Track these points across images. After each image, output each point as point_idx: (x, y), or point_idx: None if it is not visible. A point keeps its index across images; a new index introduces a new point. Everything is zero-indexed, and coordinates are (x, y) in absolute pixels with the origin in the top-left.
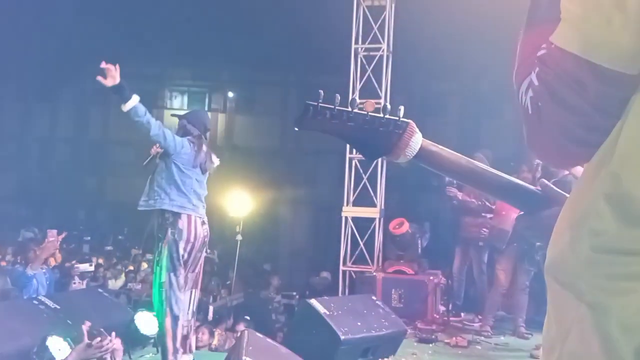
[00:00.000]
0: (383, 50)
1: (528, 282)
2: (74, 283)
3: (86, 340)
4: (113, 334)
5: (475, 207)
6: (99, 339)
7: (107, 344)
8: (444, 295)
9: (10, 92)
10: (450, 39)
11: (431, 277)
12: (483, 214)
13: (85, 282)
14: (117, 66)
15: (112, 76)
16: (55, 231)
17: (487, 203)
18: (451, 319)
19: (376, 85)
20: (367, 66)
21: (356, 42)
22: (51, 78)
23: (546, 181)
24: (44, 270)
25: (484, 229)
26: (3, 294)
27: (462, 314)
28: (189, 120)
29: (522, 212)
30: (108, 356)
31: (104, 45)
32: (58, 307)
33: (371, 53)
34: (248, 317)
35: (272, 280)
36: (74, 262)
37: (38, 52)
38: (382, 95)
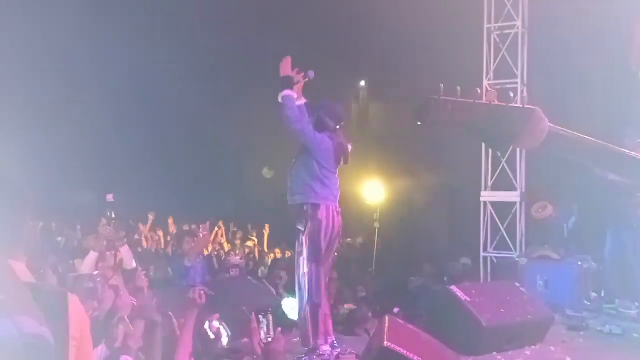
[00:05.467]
0: (518, 28)
1: None
2: (232, 271)
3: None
4: (253, 314)
5: (628, 185)
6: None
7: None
8: (595, 281)
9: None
10: (592, 7)
11: (579, 262)
12: (638, 194)
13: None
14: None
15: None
16: (207, 225)
17: None
18: (604, 306)
19: (512, 65)
20: (501, 45)
21: (489, 22)
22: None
23: None
24: (198, 260)
25: None
26: (165, 282)
27: (617, 301)
28: (326, 112)
29: None
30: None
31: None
32: (213, 293)
33: (505, 31)
34: (397, 310)
35: (425, 266)
36: (227, 253)
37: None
38: (519, 74)
